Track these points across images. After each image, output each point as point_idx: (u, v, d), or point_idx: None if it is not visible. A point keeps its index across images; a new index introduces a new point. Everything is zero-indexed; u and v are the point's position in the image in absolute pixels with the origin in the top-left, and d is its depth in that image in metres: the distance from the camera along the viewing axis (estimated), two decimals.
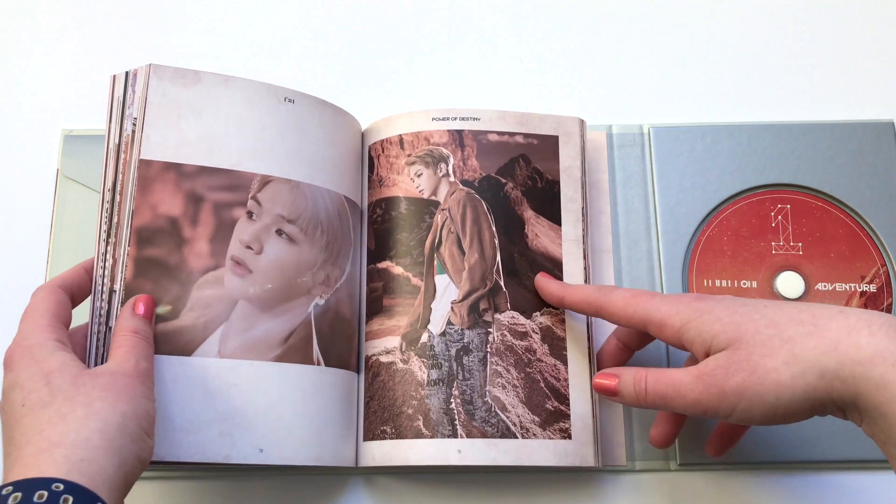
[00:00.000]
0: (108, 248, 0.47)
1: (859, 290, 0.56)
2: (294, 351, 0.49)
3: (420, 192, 0.54)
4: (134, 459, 0.39)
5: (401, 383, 0.50)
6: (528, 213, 0.54)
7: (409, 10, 0.67)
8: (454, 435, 0.49)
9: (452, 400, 0.50)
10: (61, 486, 0.34)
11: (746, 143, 0.60)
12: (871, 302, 0.56)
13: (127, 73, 0.49)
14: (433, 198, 0.54)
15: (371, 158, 0.55)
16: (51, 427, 0.37)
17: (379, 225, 0.54)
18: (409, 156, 0.54)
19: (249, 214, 0.50)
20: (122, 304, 0.46)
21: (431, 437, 0.49)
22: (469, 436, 0.49)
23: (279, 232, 0.50)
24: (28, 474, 0.35)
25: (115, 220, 0.47)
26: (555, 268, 0.53)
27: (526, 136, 0.55)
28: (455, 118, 0.55)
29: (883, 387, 0.36)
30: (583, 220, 0.54)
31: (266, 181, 0.50)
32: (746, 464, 0.53)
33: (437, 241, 0.53)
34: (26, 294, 0.57)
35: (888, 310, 0.56)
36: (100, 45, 0.65)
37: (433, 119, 0.55)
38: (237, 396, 0.47)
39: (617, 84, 0.64)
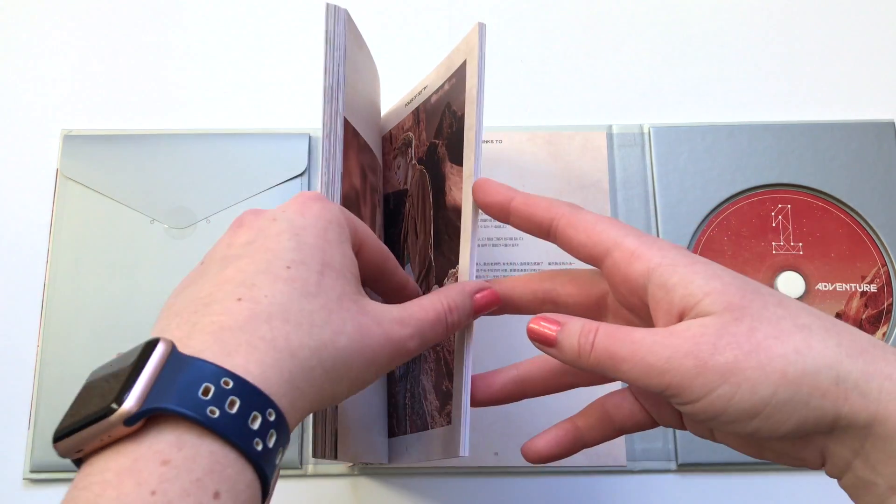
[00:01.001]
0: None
1: (860, 290, 0.56)
2: None
3: (400, 183, 0.51)
4: (326, 402, 0.32)
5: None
6: (447, 167, 0.44)
7: (409, 9, 0.67)
8: (405, 431, 0.46)
9: (406, 394, 0.47)
10: (273, 416, 0.28)
11: (746, 143, 0.60)
12: (871, 302, 0.56)
13: (335, 9, 0.42)
14: (405, 186, 0.50)
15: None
16: (296, 325, 0.30)
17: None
18: (393, 149, 0.52)
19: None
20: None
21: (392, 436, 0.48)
22: (412, 430, 0.45)
23: None
24: (251, 368, 0.28)
25: (330, 175, 0.41)
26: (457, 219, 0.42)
27: (450, 79, 0.46)
28: (415, 96, 0.51)
29: None
30: (476, 149, 0.41)
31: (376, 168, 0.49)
32: (746, 464, 0.53)
33: (405, 231, 0.49)
34: (26, 294, 0.57)
35: (888, 310, 0.56)
36: (100, 45, 0.65)
37: (405, 105, 0.53)
38: None
39: (617, 84, 0.64)
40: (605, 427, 0.38)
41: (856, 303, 0.56)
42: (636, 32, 0.66)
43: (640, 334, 0.32)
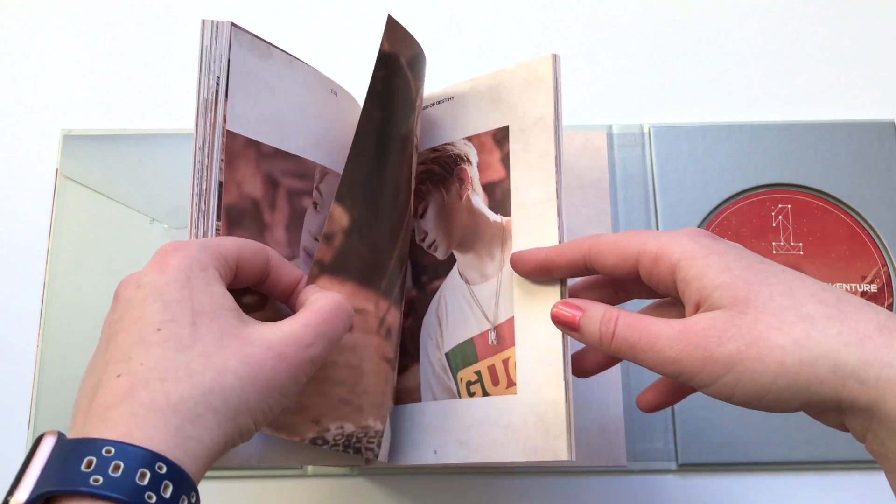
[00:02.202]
0: (200, 215, 0.41)
1: (860, 290, 0.56)
2: None
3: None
4: (228, 446, 0.33)
5: None
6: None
7: (408, 9, 0.67)
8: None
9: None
10: (164, 469, 0.29)
11: (746, 143, 0.60)
12: (871, 302, 0.56)
13: (213, 23, 0.43)
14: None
15: None
16: (175, 381, 0.31)
17: None
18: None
19: (315, 205, 0.47)
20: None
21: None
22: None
23: None
24: (134, 432, 0.29)
25: (203, 185, 0.41)
26: None
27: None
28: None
29: None
30: (556, 173, 0.45)
31: (324, 172, 0.48)
32: (746, 464, 0.53)
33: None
34: (26, 294, 0.57)
35: (889, 309, 0.56)
36: (100, 45, 0.65)
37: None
38: None
39: (617, 84, 0.64)
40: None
41: None
42: (636, 32, 0.66)
43: (657, 326, 0.35)
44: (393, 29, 0.45)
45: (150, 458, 0.29)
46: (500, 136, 0.48)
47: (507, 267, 0.45)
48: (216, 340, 0.33)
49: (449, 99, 0.51)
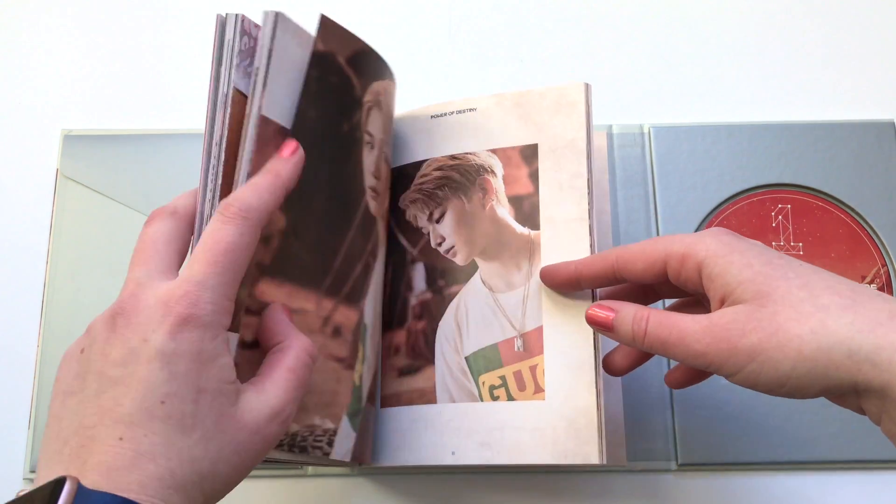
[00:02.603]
0: (212, 211, 0.40)
1: None
2: None
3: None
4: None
5: None
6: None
7: (409, 8, 0.67)
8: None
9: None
10: None
11: (746, 143, 0.60)
12: (882, 293, 0.56)
13: (237, 17, 0.42)
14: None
15: None
16: (179, 462, 0.32)
17: None
18: None
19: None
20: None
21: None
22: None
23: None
24: (143, 501, 0.31)
25: (219, 181, 0.40)
26: None
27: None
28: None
29: None
30: (588, 195, 0.49)
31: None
32: (746, 464, 0.53)
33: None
34: (26, 294, 0.57)
35: None
36: (100, 45, 0.65)
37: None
38: None
39: (617, 84, 0.64)
40: None
41: None
42: (636, 32, 0.66)
43: (685, 323, 0.38)
44: (327, 28, 0.45)
45: None
46: (529, 153, 0.51)
47: (535, 278, 0.48)
48: (215, 424, 0.34)
49: (472, 110, 0.53)
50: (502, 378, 0.48)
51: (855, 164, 0.59)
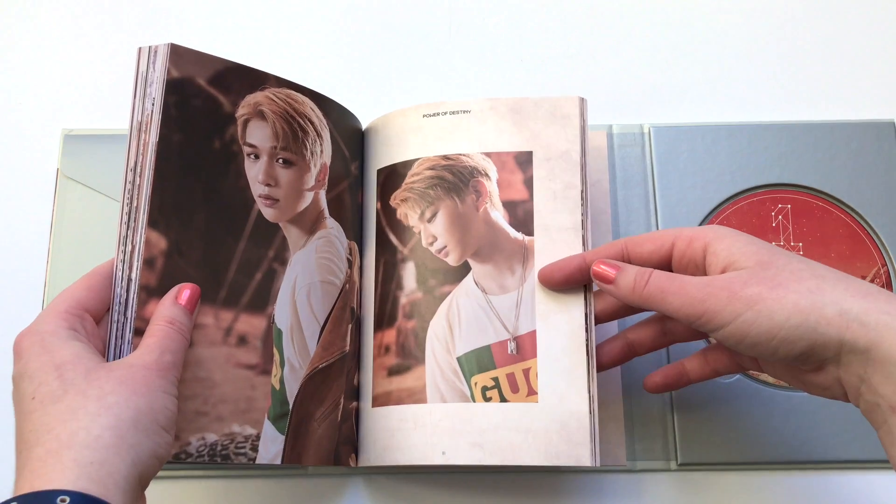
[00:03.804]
0: (128, 232, 0.45)
1: None
2: None
3: None
4: (149, 456, 0.37)
5: None
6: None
7: (409, 8, 0.67)
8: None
9: None
10: (67, 500, 0.33)
11: (746, 143, 0.60)
12: None
13: (149, 49, 0.46)
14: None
15: None
16: (61, 424, 0.36)
17: None
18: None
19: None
20: (137, 293, 0.44)
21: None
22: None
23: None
24: (35, 483, 0.34)
25: (134, 203, 0.45)
26: None
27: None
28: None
29: None
30: (582, 206, 0.50)
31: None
32: (746, 464, 0.53)
33: None
34: (26, 294, 0.57)
35: None
36: (100, 45, 0.65)
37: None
38: None
39: (617, 84, 0.64)
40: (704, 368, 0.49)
41: None
42: (636, 32, 0.66)
43: (686, 276, 0.42)
44: (179, 55, 0.47)
45: (47, 497, 0.33)
46: (524, 160, 0.51)
47: (529, 283, 0.49)
48: (85, 379, 0.37)
49: (465, 111, 0.53)
50: (495, 379, 0.49)
51: (855, 164, 0.59)
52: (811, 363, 0.39)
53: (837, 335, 0.37)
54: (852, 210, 0.58)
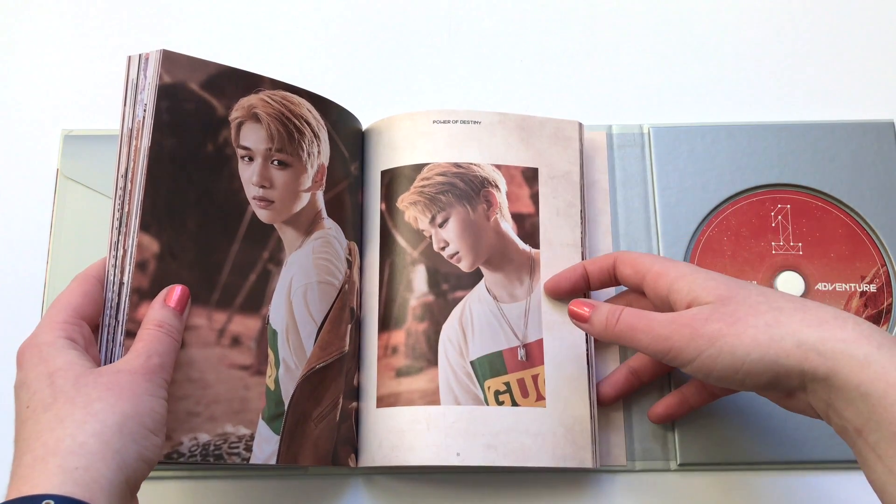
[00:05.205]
0: (119, 237, 0.45)
1: (859, 290, 0.56)
2: None
3: None
4: (136, 459, 0.38)
5: None
6: None
7: (409, 9, 0.67)
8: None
9: None
10: (51, 503, 0.34)
11: (746, 143, 0.60)
12: (871, 302, 0.56)
13: (140, 56, 0.47)
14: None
15: None
16: (49, 432, 0.37)
17: None
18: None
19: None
20: (129, 296, 0.44)
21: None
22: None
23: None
24: (23, 489, 0.35)
25: (125, 208, 0.46)
26: None
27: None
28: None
29: (867, 365, 0.36)
30: (581, 224, 0.54)
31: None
32: (746, 464, 0.53)
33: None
34: (26, 294, 0.57)
35: (888, 310, 0.56)
36: (100, 45, 0.65)
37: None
38: None
39: (617, 84, 0.64)
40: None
41: (855, 303, 0.56)
42: (636, 32, 0.66)
43: (653, 314, 0.43)
44: (171, 61, 0.47)
45: (32, 501, 0.34)
46: (530, 175, 0.55)
47: (536, 293, 0.53)
48: (73, 386, 0.38)
49: (476, 122, 0.55)
50: (507, 384, 0.51)
51: (854, 164, 0.59)
52: (780, 391, 0.40)
53: (798, 366, 0.38)
54: (852, 210, 0.58)
